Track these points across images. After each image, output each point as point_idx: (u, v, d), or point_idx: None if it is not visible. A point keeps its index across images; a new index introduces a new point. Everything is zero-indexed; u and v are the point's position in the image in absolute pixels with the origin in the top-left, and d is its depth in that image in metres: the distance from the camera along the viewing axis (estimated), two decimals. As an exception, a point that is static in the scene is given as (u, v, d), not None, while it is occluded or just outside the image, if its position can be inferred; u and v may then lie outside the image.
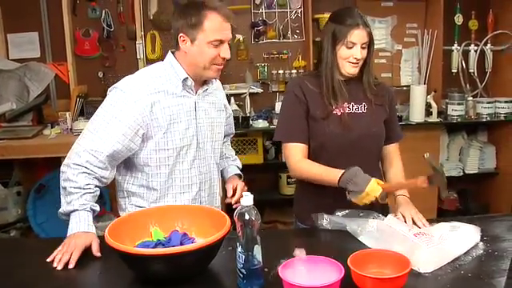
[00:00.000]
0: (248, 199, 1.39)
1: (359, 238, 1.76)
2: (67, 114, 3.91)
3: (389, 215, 1.84)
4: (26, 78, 4.00)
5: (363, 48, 1.97)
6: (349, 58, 1.96)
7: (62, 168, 1.82)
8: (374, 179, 1.82)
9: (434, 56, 4.35)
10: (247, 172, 4.01)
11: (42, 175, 4.04)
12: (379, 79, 2.19)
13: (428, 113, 4.20)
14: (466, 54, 4.45)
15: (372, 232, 1.72)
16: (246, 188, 2.12)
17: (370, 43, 1.99)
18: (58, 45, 4.21)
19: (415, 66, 4.52)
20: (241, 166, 2.36)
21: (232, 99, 4.23)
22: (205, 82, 2.00)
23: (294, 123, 2.05)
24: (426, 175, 1.77)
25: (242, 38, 4.35)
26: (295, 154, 2.04)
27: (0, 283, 1.55)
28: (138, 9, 4.20)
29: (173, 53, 1.95)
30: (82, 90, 4.17)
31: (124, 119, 1.82)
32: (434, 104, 4.17)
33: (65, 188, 1.80)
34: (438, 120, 4.22)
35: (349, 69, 1.99)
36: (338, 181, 1.86)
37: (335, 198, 1.91)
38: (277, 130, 2.13)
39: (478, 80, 4.48)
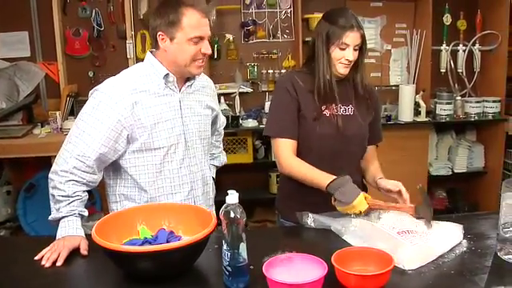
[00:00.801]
0: (233, 197, 1.40)
1: (343, 237, 1.77)
2: (57, 113, 3.91)
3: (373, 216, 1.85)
4: (16, 78, 4.00)
5: (355, 50, 1.97)
6: (341, 59, 1.97)
7: (50, 175, 1.82)
8: (362, 193, 1.83)
9: (423, 56, 4.39)
10: (237, 171, 4.07)
11: (32, 174, 4.03)
12: (368, 79, 2.19)
13: (417, 112, 4.24)
14: (454, 54, 4.50)
15: (356, 231, 1.73)
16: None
17: (362, 45, 2.00)
18: (48, 44, 4.20)
19: (404, 66, 4.55)
20: (222, 162, 2.37)
21: (222, 99, 4.24)
22: (188, 79, 1.97)
23: (285, 118, 2.04)
24: (415, 205, 1.83)
25: (231, 38, 4.37)
26: (285, 150, 2.03)
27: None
28: (128, 8, 4.20)
29: (152, 52, 1.94)
30: (72, 89, 4.16)
31: (107, 121, 1.81)
32: (422, 103, 4.21)
33: (53, 195, 1.80)
34: (427, 119, 4.26)
35: (340, 69, 2.00)
36: (327, 186, 1.87)
37: (318, 196, 1.93)
38: (267, 125, 2.12)
39: (466, 80, 4.53)
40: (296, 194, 2.09)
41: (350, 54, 1.96)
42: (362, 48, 2.01)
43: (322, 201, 1.91)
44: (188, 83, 1.97)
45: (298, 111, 2.04)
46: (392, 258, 1.43)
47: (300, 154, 2.05)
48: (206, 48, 1.85)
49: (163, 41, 1.85)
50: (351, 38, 1.94)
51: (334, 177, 1.88)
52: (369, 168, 2.19)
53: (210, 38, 1.89)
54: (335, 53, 1.97)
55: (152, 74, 1.90)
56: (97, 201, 3.91)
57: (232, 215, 1.39)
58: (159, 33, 1.84)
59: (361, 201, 1.81)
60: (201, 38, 1.83)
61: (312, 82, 2.03)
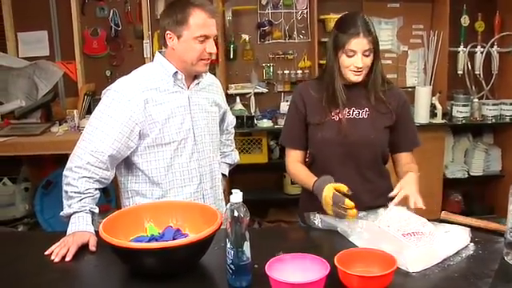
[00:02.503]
0: (237, 196, 1.41)
1: (350, 239, 1.76)
2: (75, 111, 3.98)
3: (381, 215, 1.84)
4: (35, 76, 4.07)
5: (366, 56, 1.92)
6: (350, 66, 1.94)
7: (65, 172, 1.87)
8: (326, 186, 1.85)
9: (440, 57, 4.35)
10: (251, 171, 4.08)
11: (49, 171, 4.10)
12: (392, 83, 2.14)
13: (433, 114, 4.20)
14: (471, 56, 4.44)
15: (361, 232, 1.73)
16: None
17: (374, 50, 1.94)
18: (66, 43, 4.28)
19: (421, 68, 4.52)
20: (234, 160, 2.44)
21: (237, 99, 4.27)
22: (196, 76, 2.04)
23: (291, 130, 2.14)
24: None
25: (247, 38, 4.39)
26: (289, 158, 2.15)
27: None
28: (146, 8, 4.26)
29: (160, 52, 2.02)
30: (90, 88, 4.23)
31: (119, 118, 1.87)
32: (438, 105, 4.17)
33: (66, 192, 1.85)
34: (443, 121, 4.22)
35: (351, 77, 1.96)
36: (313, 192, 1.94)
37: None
38: (281, 134, 2.22)
39: (483, 82, 4.47)
40: (311, 197, 2.02)
41: (359, 61, 1.91)
42: (375, 53, 1.95)
43: None
44: (196, 81, 2.04)
45: (305, 121, 2.08)
46: (395, 259, 1.44)
47: (311, 159, 2.11)
48: (210, 47, 1.93)
49: (171, 39, 1.93)
50: (356, 44, 1.89)
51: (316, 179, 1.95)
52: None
53: (216, 38, 1.97)
54: (343, 60, 1.94)
55: (161, 72, 1.98)
56: (112, 198, 3.96)
57: (236, 214, 1.40)
58: (167, 32, 1.92)
59: (326, 191, 1.84)
60: (206, 37, 1.91)
61: (322, 89, 2.04)
